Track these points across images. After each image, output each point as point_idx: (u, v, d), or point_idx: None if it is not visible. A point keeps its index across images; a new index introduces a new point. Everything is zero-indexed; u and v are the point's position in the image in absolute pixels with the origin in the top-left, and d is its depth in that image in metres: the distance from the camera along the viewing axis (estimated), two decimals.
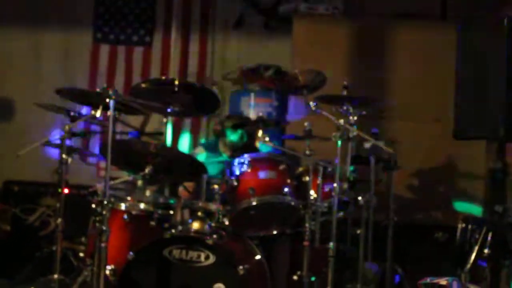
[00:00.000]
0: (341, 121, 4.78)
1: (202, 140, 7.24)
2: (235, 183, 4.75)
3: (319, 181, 4.82)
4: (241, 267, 4.36)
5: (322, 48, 6.71)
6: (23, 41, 7.61)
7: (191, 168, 4.82)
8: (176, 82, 4.88)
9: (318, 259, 4.81)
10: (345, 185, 5.10)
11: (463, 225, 5.14)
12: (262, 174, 4.78)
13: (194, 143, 7.28)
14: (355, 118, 5.01)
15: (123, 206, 4.71)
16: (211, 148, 5.66)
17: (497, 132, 4.70)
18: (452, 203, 6.50)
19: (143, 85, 5.06)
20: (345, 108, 5.02)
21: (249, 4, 7.49)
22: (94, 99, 4.53)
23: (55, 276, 4.69)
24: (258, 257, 4.73)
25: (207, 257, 4.40)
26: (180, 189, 5.26)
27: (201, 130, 7.41)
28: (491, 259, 4.81)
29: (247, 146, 5.51)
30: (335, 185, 4.73)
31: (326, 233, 4.75)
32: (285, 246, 5.02)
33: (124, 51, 7.55)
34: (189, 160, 4.87)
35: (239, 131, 5.52)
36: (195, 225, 4.58)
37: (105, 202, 4.10)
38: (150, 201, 4.77)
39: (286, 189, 4.74)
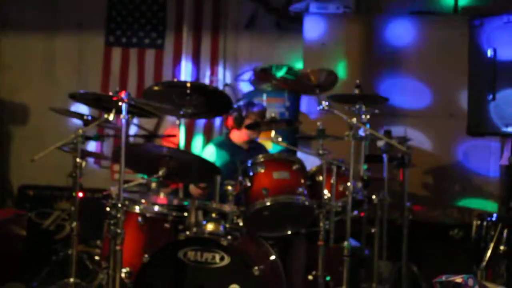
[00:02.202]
0: (354, 120, 4.76)
1: (215, 139, 7.24)
2: (249, 184, 4.75)
3: (332, 180, 4.80)
4: (256, 267, 4.34)
5: (334, 47, 6.70)
6: (37, 46, 7.66)
7: (204, 169, 4.82)
8: (188, 85, 4.89)
9: (333, 258, 4.81)
10: (359, 184, 5.09)
11: (479, 222, 5.12)
12: (275, 175, 4.77)
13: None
14: (368, 116, 4.99)
15: (137, 209, 4.72)
16: (221, 147, 5.63)
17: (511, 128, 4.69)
18: (466, 200, 6.46)
19: (156, 88, 5.07)
20: (357, 107, 4.99)
21: (260, 4, 7.48)
22: (107, 103, 4.55)
23: (71, 279, 4.69)
24: (273, 257, 4.73)
25: (222, 258, 4.40)
26: (191, 186, 5.26)
27: (214, 132, 7.41)
28: (507, 256, 4.79)
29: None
30: (349, 184, 4.72)
31: (341, 233, 4.74)
32: (300, 246, 5.00)
33: (136, 54, 7.58)
34: (202, 162, 4.87)
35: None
36: (210, 227, 4.58)
37: (120, 205, 4.12)
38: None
39: (300, 189, 4.74)
